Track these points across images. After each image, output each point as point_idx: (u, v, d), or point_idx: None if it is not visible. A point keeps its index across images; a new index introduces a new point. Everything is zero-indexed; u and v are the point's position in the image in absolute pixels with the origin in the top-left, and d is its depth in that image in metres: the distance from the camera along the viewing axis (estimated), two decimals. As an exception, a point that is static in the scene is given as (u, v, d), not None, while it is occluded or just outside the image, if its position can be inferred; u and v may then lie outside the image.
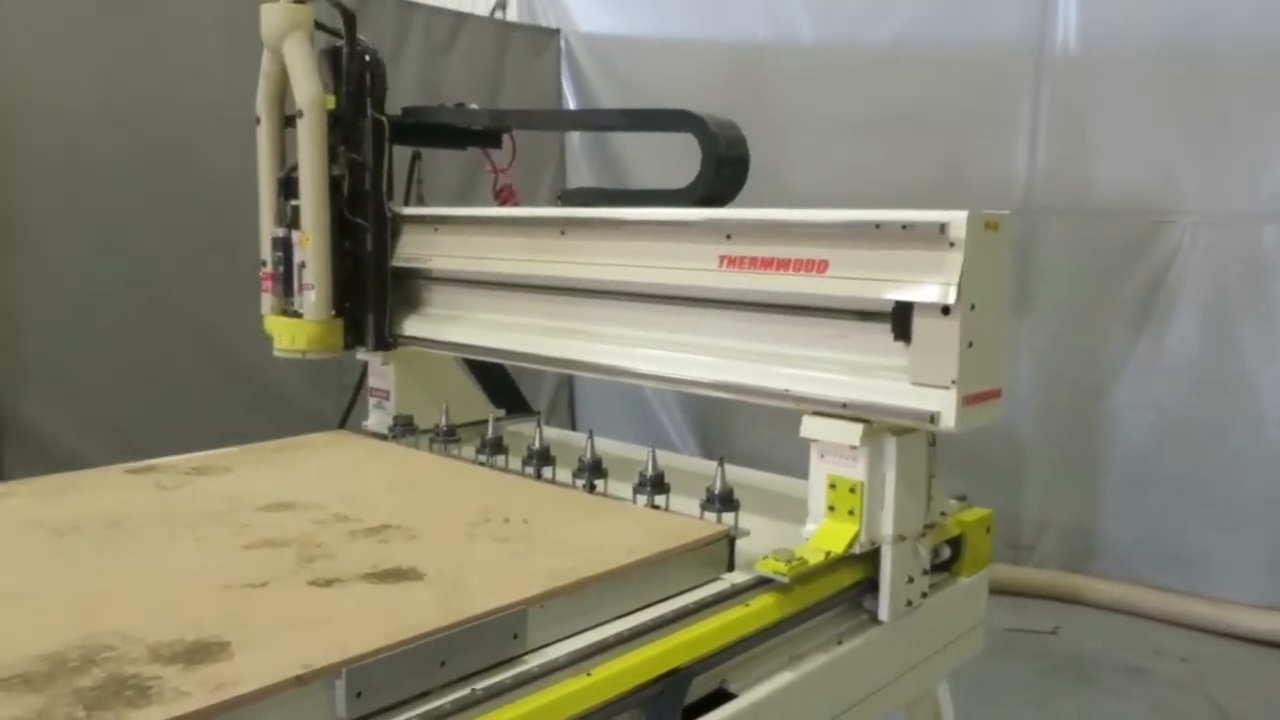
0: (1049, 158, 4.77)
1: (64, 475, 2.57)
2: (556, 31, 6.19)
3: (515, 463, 2.74)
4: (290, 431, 3.11)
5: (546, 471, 2.66)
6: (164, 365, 4.41)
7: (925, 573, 2.32)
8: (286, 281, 2.98)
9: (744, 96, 4.99)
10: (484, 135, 3.33)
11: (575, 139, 6.23)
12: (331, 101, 2.90)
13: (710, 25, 5.74)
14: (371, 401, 3.26)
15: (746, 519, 2.26)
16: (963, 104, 4.93)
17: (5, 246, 3.91)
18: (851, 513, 2.17)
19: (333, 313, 2.96)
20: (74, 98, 4.10)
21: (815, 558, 2.09)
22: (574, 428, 6.32)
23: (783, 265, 2.25)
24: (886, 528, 2.19)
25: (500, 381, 3.50)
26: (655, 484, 2.40)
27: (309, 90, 2.84)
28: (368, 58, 2.97)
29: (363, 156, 2.98)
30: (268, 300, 3.04)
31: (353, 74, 2.95)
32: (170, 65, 4.40)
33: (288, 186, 2.95)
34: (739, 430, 5.79)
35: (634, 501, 2.40)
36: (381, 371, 3.21)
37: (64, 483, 2.49)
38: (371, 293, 3.06)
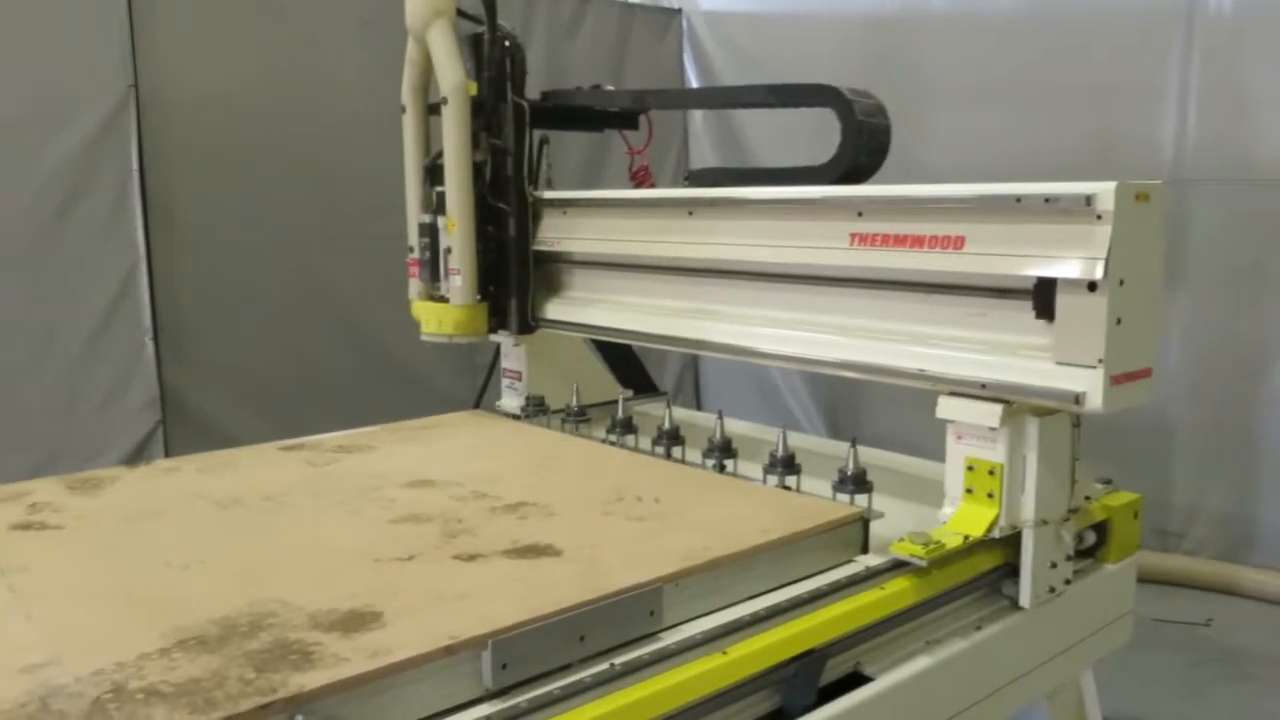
0: (1200, 124, 4.48)
1: (224, 451, 2.74)
2: (679, 11, 6.17)
3: (645, 442, 2.77)
4: (425, 410, 3.23)
5: (676, 451, 2.68)
6: (311, 348, 4.63)
7: (1069, 558, 2.25)
8: (433, 267, 3.05)
9: (873, 70, 4.85)
10: (621, 117, 3.34)
11: (698, 119, 6.20)
12: (474, 88, 2.94)
13: (834, -1, 5.63)
14: (504, 382, 3.35)
15: (880, 501, 2.23)
16: (1106, 69, 4.67)
17: (169, 239, 4.17)
18: (990, 496, 2.11)
19: (478, 297, 3.03)
20: (228, 89, 4.32)
21: (953, 541, 2.05)
22: (699, 408, 6.32)
23: (917, 242, 2.20)
24: (1028, 512, 2.13)
25: (628, 362, 3.54)
26: (786, 464, 2.39)
27: (453, 77, 2.89)
28: (508, 43, 3.01)
29: (504, 141, 3.03)
30: (415, 285, 3.11)
31: (493, 59, 2.99)
32: (316, 60, 4.59)
33: (433, 173, 3.01)
34: (868, 412, 5.68)
35: (764, 482, 2.40)
36: (514, 353, 3.28)
37: (224, 459, 2.65)
38: (514, 276, 3.11)
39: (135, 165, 4.04)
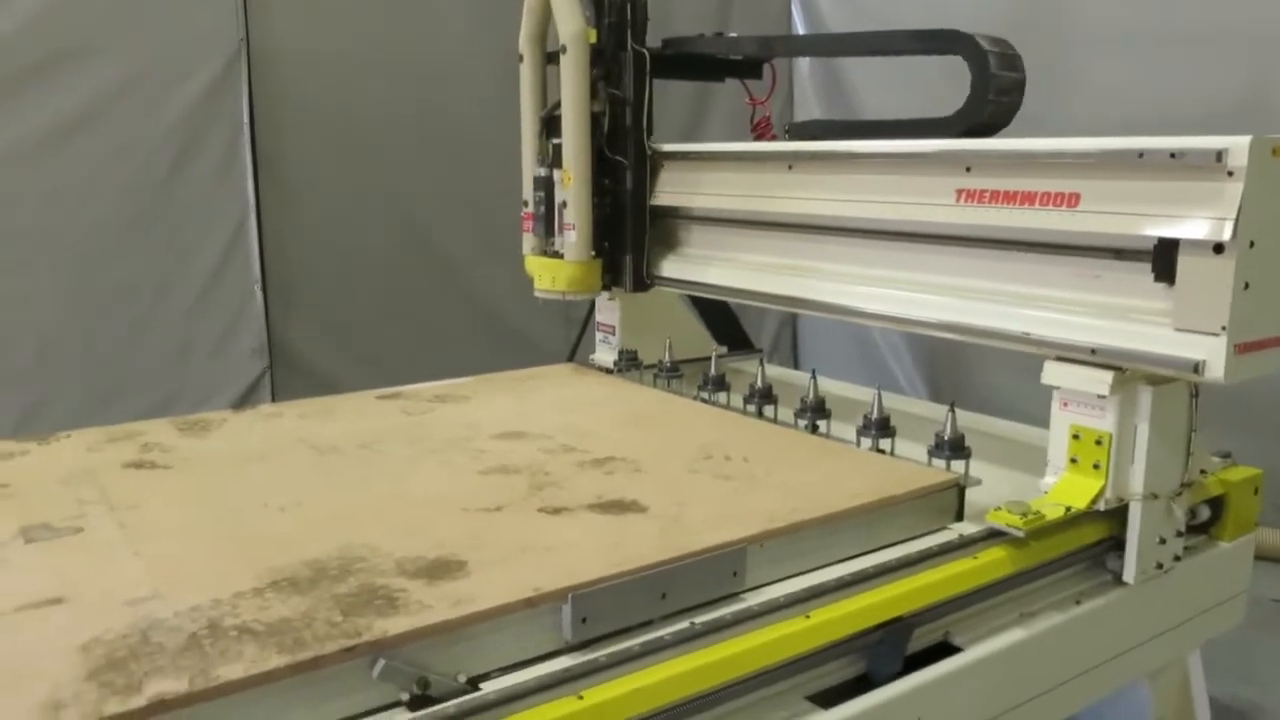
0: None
1: (324, 399, 2.81)
2: (787, -43, 6.00)
3: (736, 400, 2.74)
4: (522, 362, 3.25)
5: (768, 411, 2.64)
6: (413, 299, 4.72)
7: (1179, 534, 2.14)
8: (548, 222, 2.99)
9: (999, 16, 4.62)
10: (744, 65, 3.23)
11: (804, 69, 6.02)
12: (593, 35, 2.86)
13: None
14: (598, 336, 3.34)
15: (978, 468, 2.15)
16: (1268, 13, 4.32)
17: (277, 193, 4.28)
18: (1097, 466, 2.02)
19: (592, 254, 2.96)
20: (334, 49, 4.39)
21: (1054, 513, 1.97)
22: (796, 367, 6.24)
23: (1028, 199, 2.09)
24: (1137, 484, 2.03)
25: (724, 317, 3.49)
26: (880, 427, 2.33)
27: (573, 25, 2.81)
28: None
29: (623, 91, 2.94)
30: (529, 240, 3.06)
31: (614, 5, 2.91)
32: (425, 17, 4.62)
33: (550, 125, 2.95)
34: (973, 376, 5.49)
35: (857, 444, 2.34)
36: (608, 307, 3.27)
37: (324, 406, 2.72)
38: (630, 232, 3.04)
39: (246, 120, 4.14)
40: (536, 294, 3.06)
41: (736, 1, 5.53)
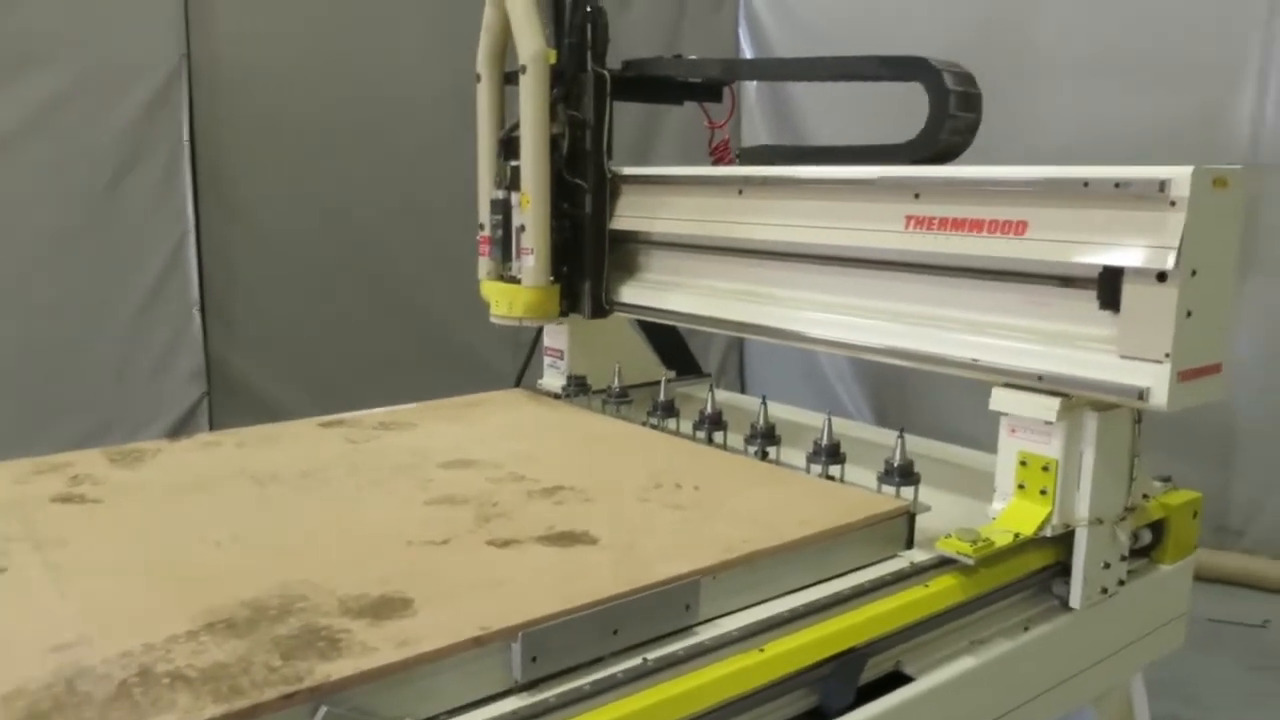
0: (1280, 105, 4.29)
1: (264, 426, 2.74)
2: (735, -18, 6.05)
3: (686, 426, 2.72)
4: (465, 382, 3.20)
5: (718, 436, 2.63)
6: (359, 323, 4.64)
7: (1123, 559, 2.17)
8: (505, 246, 2.92)
9: (930, 40, 4.70)
10: (703, 88, 3.20)
11: (752, 94, 6.08)
12: (553, 56, 2.80)
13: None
14: (546, 360, 3.30)
15: (927, 493, 2.16)
16: (1182, 47, 4.47)
17: (219, 212, 4.19)
18: (1044, 492, 2.04)
19: (551, 279, 2.91)
20: (278, 65, 4.32)
21: (1003, 539, 1.97)
22: (743, 390, 6.26)
23: (976, 226, 2.12)
24: (1083, 510, 2.04)
25: (672, 342, 3.48)
26: (830, 453, 2.32)
27: (533, 44, 2.74)
28: (589, 8, 2.88)
29: (583, 114, 2.89)
30: (484, 264, 2.99)
31: (575, 25, 2.85)
32: (372, 32, 4.56)
33: (508, 146, 2.88)
34: (918, 400, 5.56)
35: (808, 471, 2.34)
36: (556, 331, 3.23)
37: (264, 434, 2.65)
38: (589, 257, 2.98)
39: (186, 137, 4.05)
40: (493, 319, 2.99)
41: (685, 24, 5.56)
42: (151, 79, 3.99)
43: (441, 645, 1.43)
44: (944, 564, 1.97)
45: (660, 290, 3.01)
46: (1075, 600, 2.09)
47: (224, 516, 1.99)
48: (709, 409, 2.66)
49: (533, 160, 2.81)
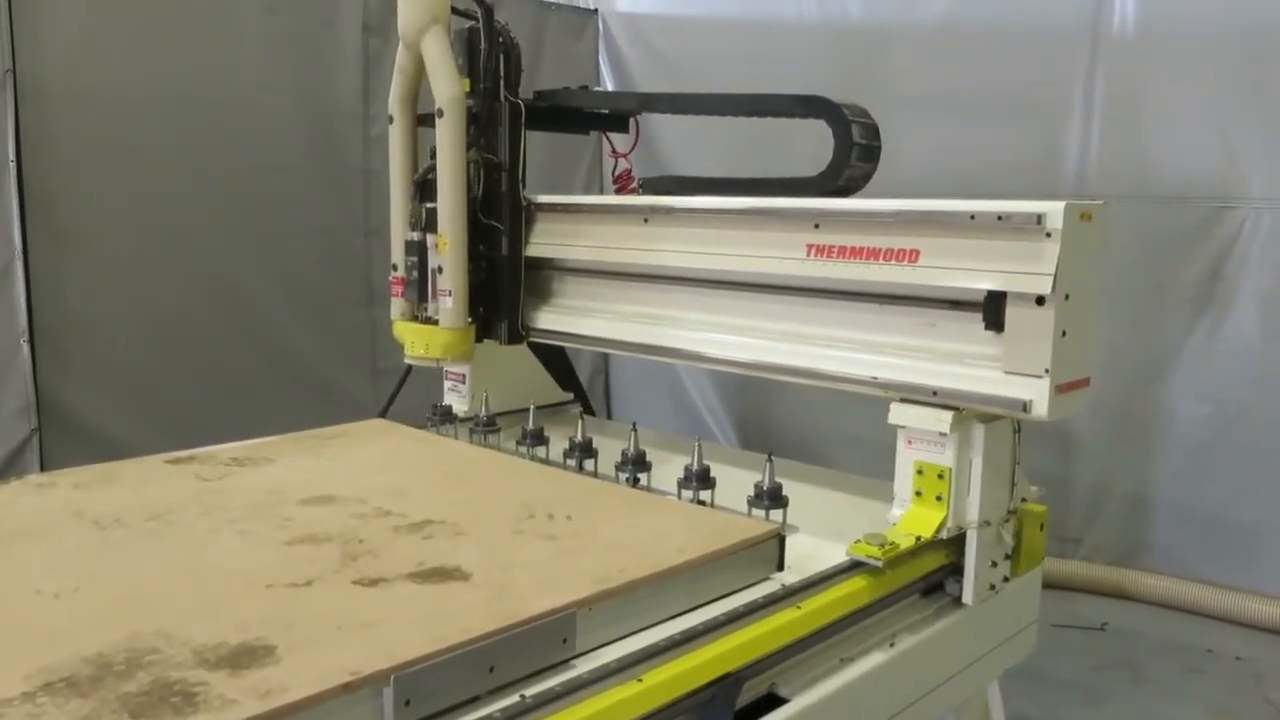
0: (1103, 141, 4.62)
1: (105, 465, 2.55)
2: (594, 12, 6.10)
3: (556, 453, 2.70)
4: (323, 414, 3.08)
5: (589, 464, 2.61)
6: (206, 351, 4.40)
7: (1006, 558, 2.31)
8: (421, 287, 2.90)
9: (787, 76, 4.87)
10: (609, 119, 3.29)
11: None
12: (467, 84, 2.81)
13: (751, 3, 5.63)
14: (447, 384, 3.25)
15: (793, 515, 2.21)
16: (1011, 85, 4.78)
17: (51, 236, 3.90)
18: (939, 498, 2.18)
19: (469, 320, 2.90)
20: (114, 83, 4.08)
21: (906, 542, 2.10)
22: (609, 412, 6.28)
23: (873, 255, 2.27)
24: (973, 513, 2.19)
25: (558, 364, 3.48)
26: (701, 479, 2.35)
27: (450, 88, 2.75)
28: (502, 39, 2.90)
29: (497, 154, 2.90)
30: (398, 305, 2.97)
31: (489, 69, 2.87)
32: (215, 48, 4.37)
33: (422, 189, 2.88)
34: (779, 418, 5.71)
35: (679, 496, 2.35)
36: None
37: (105, 473, 2.47)
38: (506, 294, 2.99)
39: (11, 156, 3.78)
40: (407, 360, 2.96)
41: (547, 54, 5.58)
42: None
43: (309, 694, 1.35)
44: (814, 585, 2.01)
45: (572, 315, 3.06)
46: (968, 596, 2.23)
47: (62, 565, 1.84)
48: (579, 436, 2.65)
49: (450, 203, 2.81)
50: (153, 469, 2.52)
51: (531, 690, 1.55)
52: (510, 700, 1.52)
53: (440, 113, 2.76)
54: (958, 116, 4.91)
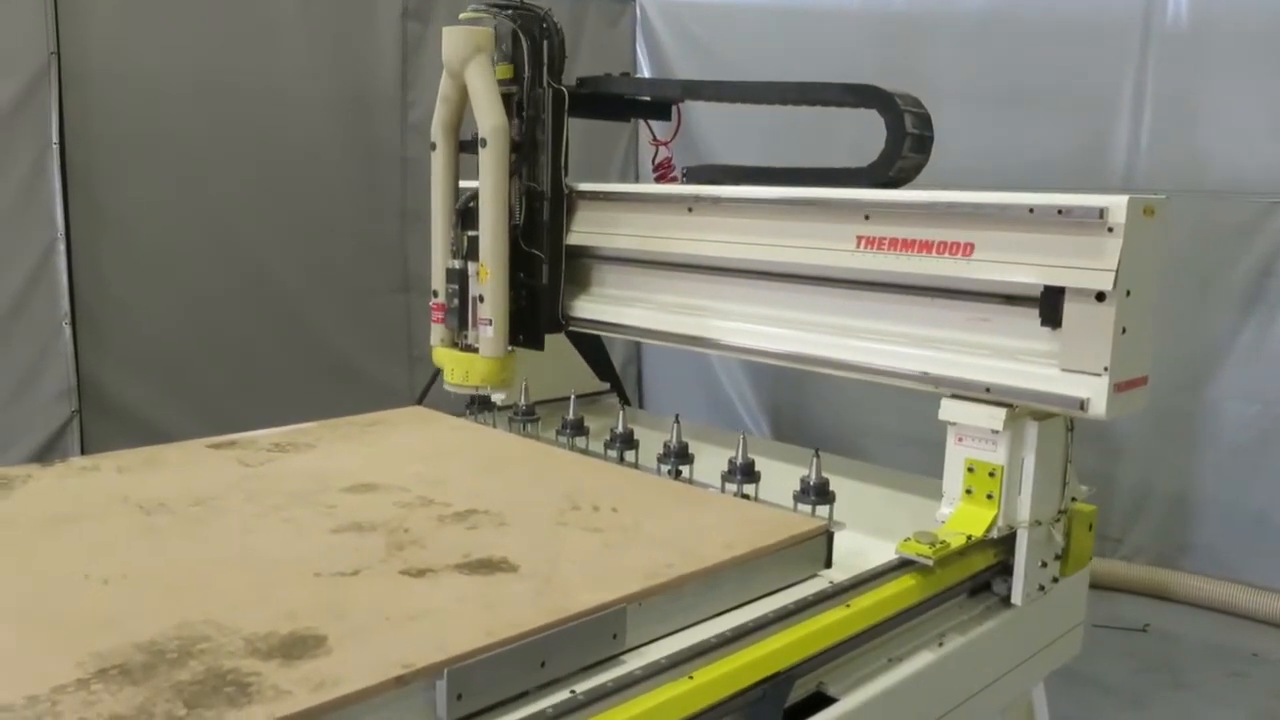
0: (1153, 135, 4.53)
1: (147, 449, 2.55)
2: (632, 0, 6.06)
3: (595, 443, 2.67)
4: (357, 401, 3.08)
5: (629, 455, 2.59)
6: (245, 337, 4.42)
7: (1056, 558, 2.27)
8: (461, 315, 2.88)
9: (826, 66, 4.81)
10: (652, 106, 3.25)
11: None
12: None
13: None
14: None
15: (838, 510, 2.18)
16: (1059, 78, 4.69)
17: (93, 220, 3.93)
18: (990, 496, 2.13)
19: (509, 349, 2.87)
20: (155, 68, 4.08)
21: (957, 540, 2.06)
22: (641, 402, 6.25)
23: (925, 247, 2.22)
24: (1023, 512, 2.15)
25: (596, 354, 3.45)
26: (745, 472, 2.32)
27: (494, 118, 2.73)
28: (544, 25, 2.88)
29: (539, 184, 2.88)
30: (438, 331, 2.95)
31: (534, 98, 2.84)
32: (258, 38, 4.37)
33: (464, 216, 2.86)
34: (811, 411, 5.66)
35: (722, 490, 2.32)
36: None
37: (148, 457, 2.47)
38: (547, 277, 2.93)
39: (55, 140, 3.79)
40: (446, 387, 2.94)
41: (585, 42, 5.53)
42: (15, 78, 3.72)
43: (362, 686, 1.34)
44: (863, 584, 1.98)
45: (613, 305, 3.02)
46: (1017, 596, 2.19)
47: (108, 550, 1.84)
48: (620, 427, 2.63)
49: (492, 232, 2.79)
50: (195, 454, 2.52)
51: (582, 686, 1.53)
52: (561, 696, 1.50)
53: (484, 142, 2.74)
54: (1002, 109, 4.82)
